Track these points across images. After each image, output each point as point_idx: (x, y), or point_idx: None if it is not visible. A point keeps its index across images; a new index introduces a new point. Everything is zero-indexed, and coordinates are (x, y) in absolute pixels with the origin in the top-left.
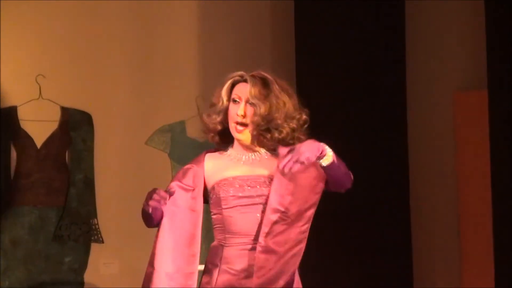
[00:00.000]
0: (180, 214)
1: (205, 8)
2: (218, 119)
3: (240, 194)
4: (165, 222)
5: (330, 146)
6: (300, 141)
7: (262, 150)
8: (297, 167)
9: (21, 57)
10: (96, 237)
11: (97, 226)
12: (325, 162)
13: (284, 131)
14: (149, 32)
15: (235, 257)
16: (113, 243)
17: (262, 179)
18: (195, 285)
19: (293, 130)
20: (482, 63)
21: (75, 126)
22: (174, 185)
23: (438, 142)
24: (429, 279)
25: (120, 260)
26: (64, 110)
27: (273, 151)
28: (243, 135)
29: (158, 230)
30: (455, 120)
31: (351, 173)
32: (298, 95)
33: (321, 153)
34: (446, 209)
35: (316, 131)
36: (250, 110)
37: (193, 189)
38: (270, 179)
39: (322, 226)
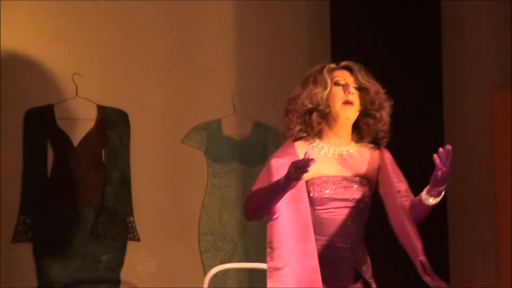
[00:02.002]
0: (291, 208)
1: (241, 7)
2: (316, 100)
3: (336, 197)
4: (280, 217)
5: None
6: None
7: (352, 145)
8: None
9: (58, 56)
10: (132, 235)
11: (133, 224)
12: (435, 200)
13: (386, 113)
14: (185, 30)
15: (321, 259)
16: (150, 241)
17: (359, 182)
18: (320, 279)
19: (389, 114)
20: None
21: (112, 125)
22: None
23: (475, 140)
24: (466, 278)
25: (156, 258)
26: (101, 109)
27: (361, 143)
28: (352, 112)
29: (273, 225)
30: (492, 118)
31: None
32: None
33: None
34: (483, 208)
35: None
36: (356, 92)
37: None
38: (363, 180)
39: None
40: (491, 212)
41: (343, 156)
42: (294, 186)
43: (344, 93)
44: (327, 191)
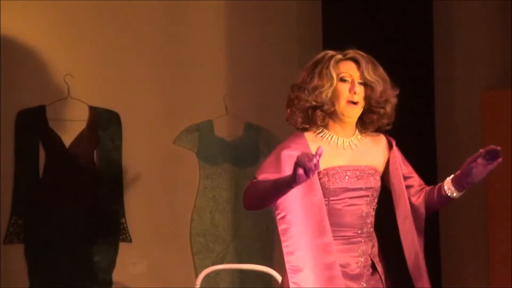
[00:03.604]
0: (304, 201)
1: (232, 8)
2: (321, 98)
3: (350, 187)
4: (292, 214)
5: None
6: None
7: (357, 134)
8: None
9: (50, 56)
10: (124, 236)
11: (125, 226)
12: (458, 194)
13: (391, 106)
14: (176, 31)
15: (339, 251)
16: (141, 242)
17: (370, 171)
18: (339, 274)
19: (393, 106)
20: (510, 62)
21: (104, 126)
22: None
23: (466, 141)
24: (458, 280)
25: (148, 259)
26: (92, 110)
27: (365, 131)
28: (356, 112)
29: (287, 226)
30: (483, 119)
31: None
32: None
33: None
34: (474, 209)
35: None
36: (361, 88)
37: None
38: (373, 168)
39: None
40: (482, 214)
41: (352, 146)
42: (302, 183)
43: (350, 92)
44: (341, 181)
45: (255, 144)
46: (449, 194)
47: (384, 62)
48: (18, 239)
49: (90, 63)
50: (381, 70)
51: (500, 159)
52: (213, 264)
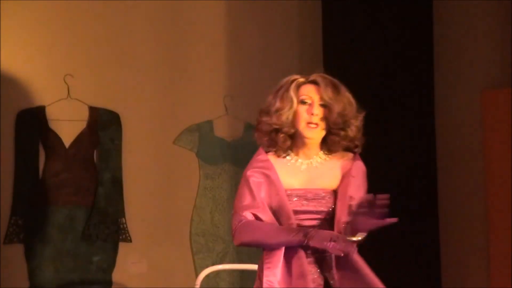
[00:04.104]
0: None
1: (233, 8)
2: (281, 120)
3: (299, 209)
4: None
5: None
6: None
7: (321, 155)
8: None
9: (50, 57)
10: (124, 236)
11: (125, 226)
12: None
13: (354, 129)
14: (176, 32)
15: (291, 270)
16: (141, 243)
17: (325, 194)
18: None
19: (359, 128)
20: (510, 62)
21: (103, 126)
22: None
23: (466, 141)
24: (458, 279)
25: (148, 259)
26: (92, 110)
27: (330, 155)
28: (316, 133)
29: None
30: (483, 118)
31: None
32: None
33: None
34: (475, 208)
35: None
36: (321, 110)
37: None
38: (329, 190)
39: None
40: (482, 213)
41: (311, 168)
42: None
43: (308, 114)
44: (291, 203)
45: (255, 144)
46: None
47: (384, 63)
48: (18, 239)
49: (90, 64)
50: (344, 93)
51: (391, 220)
52: (213, 264)
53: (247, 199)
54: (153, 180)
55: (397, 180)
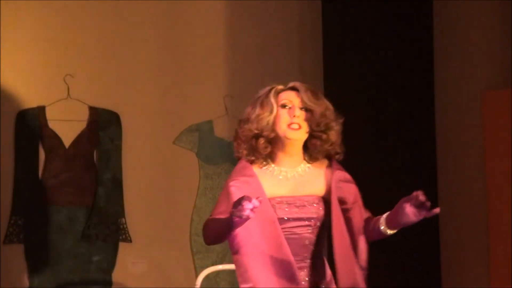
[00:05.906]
0: (259, 226)
1: (232, 8)
2: (261, 125)
3: (290, 217)
4: (247, 237)
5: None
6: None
7: (304, 163)
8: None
9: (50, 57)
10: (124, 236)
11: (125, 226)
12: (391, 232)
13: (335, 133)
14: (177, 31)
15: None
16: (141, 242)
17: (313, 200)
18: (300, 283)
19: (339, 133)
20: (510, 62)
21: (103, 126)
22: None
23: (467, 142)
24: (458, 279)
25: (148, 259)
26: (92, 110)
27: (313, 161)
28: (298, 134)
29: (239, 246)
30: (483, 119)
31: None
32: (325, 95)
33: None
34: (475, 209)
35: (343, 132)
36: (302, 113)
37: (261, 200)
38: (317, 197)
39: None
40: (482, 213)
41: (296, 176)
42: (242, 224)
43: (290, 116)
44: (282, 211)
45: None
46: (381, 228)
47: (384, 63)
48: (18, 239)
49: (90, 64)
50: (322, 98)
51: (436, 210)
52: (213, 264)
53: (222, 206)
54: (153, 180)
55: (397, 180)
